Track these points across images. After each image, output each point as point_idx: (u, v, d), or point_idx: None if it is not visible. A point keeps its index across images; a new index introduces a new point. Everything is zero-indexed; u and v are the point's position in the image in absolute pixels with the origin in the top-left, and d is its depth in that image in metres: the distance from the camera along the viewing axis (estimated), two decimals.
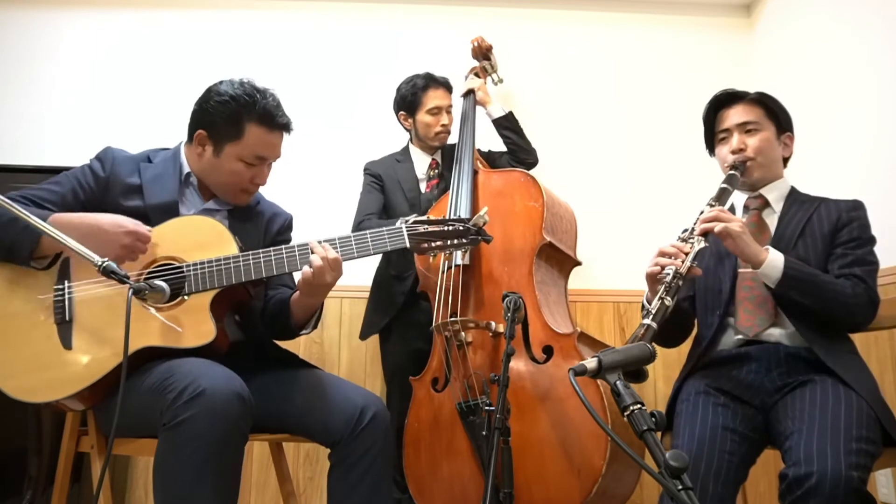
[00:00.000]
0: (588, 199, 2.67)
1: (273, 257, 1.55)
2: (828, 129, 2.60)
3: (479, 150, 2.59)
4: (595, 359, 1.08)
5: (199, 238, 1.57)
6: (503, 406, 1.58)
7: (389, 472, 1.59)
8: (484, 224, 1.63)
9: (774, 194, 1.77)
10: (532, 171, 2.27)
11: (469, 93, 2.68)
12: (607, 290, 2.88)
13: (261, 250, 1.55)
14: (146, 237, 1.49)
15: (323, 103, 3.05)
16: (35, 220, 1.33)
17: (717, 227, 1.54)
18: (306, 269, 1.53)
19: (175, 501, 1.27)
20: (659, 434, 1.02)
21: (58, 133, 2.96)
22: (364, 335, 2.59)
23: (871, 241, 1.66)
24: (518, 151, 2.64)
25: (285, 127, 1.69)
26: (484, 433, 1.75)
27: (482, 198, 2.19)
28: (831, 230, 1.65)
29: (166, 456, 1.29)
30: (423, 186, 2.57)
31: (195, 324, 1.47)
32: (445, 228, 1.61)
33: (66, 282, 1.49)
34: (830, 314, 1.56)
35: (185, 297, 1.50)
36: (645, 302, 1.63)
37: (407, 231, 1.59)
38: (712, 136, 1.84)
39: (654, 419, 1.00)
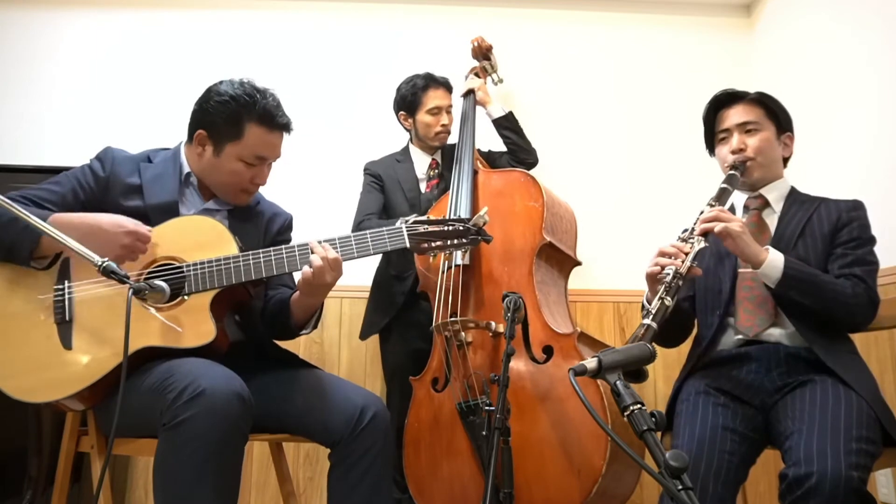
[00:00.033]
0: (588, 199, 2.67)
1: (273, 257, 1.55)
2: (828, 129, 2.60)
3: (479, 150, 2.59)
4: (595, 359, 1.08)
5: (199, 238, 1.57)
6: (503, 406, 1.57)
7: (389, 472, 1.59)
8: (484, 224, 1.63)
9: (774, 194, 1.77)
10: (532, 171, 2.27)
11: (469, 93, 2.68)
12: (607, 290, 2.88)
13: (261, 250, 1.55)
14: (146, 237, 1.49)
15: (323, 103, 3.05)
16: (35, 220, 1.33)
17: (718, 227, 1.54)
18: (306, 269, 1.53)
19: (175, 501, 1.27)
20: (659, 434, 1.02)
21: (58, 133, 2.96)
22: (364, 335, 2.59)
23: (871, 241, 1.66)
24: (518, 151, 2.64)
25: (285, 127, 1.69)
26: (484, 433, 1.75)
27: (482, 198, 2.19)
28: (831, 230, 1.65)
29: (166, 456, 1.29)
30: (423, 186, 2.57)
31: (195, 324, 1.47)
32: (445, 228, 1.61)
33: (66, 282, 1.49)
34: (830, 314, 1.56)
35: (185, 297, 1.50)
36: (645, 302, 1.63)
37: (407, 231, 1.59)
38: (712, 137, 1.84)
39: (654, 419, 1.00)
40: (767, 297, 1.62)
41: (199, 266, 1.52)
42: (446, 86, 2.61)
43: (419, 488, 1.96)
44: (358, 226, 2.46)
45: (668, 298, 1.43)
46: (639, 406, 1.01)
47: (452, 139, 2.59)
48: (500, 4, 3.19)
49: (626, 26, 3.20)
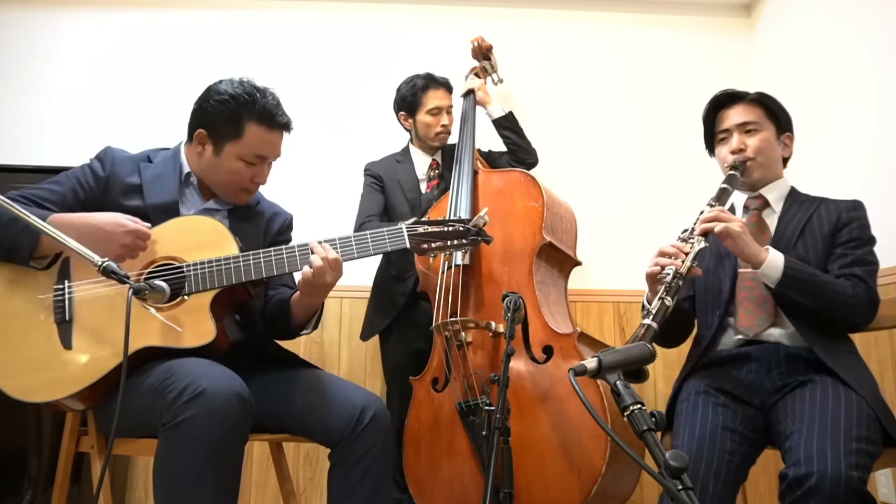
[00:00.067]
0: (588, 199, 2.67)
1: (273, 257, 1.55)
2: (828, 129, 2.60)
3: (479, 150, 2.58)
4: (595, 359, 1.08)
5: (199, 238, 1.57)
6: (503, 406, 1.57)
7: (389, 472, 1.59)
8: (484, 225, 1.63)
9: (774, 194, 1.77)
10: (532, 171, 2.27)
11: (469, 93, 2.68)
12: (607, 290, 2.88)
13: (261, 250, 1.55)
14: (146, 234, 1.49)
15: (323, 103, 3.05)
16: (34, 220, 1.33)
17: (718, 227, 1.54)
18: (306, 269, 1.52)
19: (175, 501, 1.27)
20: (659, 434, 1.02)
21: (58, 133, 2.96)
22: (365, 336, 2.59)
23: (871, 241, 1.66)
24: (518, 151, 2.64)
25: (285, 126, 1.69)
26: (484, 433, 1.75)
27: (482, 198, 2.19)
28: (831, 230, 1.65)
29: (166, 456, 1.29)
30: (423, 187, 2.57)
31: (195, 324, 1.47)
32: (445, 229, 1.61)
33: (66, 281, 1.49)
34: (830, 314, 1.56)
35: (185, 297, 1.50)
36: (645, 302, 1.63)
37: (407, 231, 1.58)
38: (712, 137, 1.84)
39: (654, 419, 1.00)
40: (767, 297, 1.62)
41: (199, 266, 1.52)
42: (446, 86, 2.61)
43: (419, 488, 1.96)
44: (360, 227, 2.45)
45: (669, 298, 1.43)
46: (639, 406, 1.01)
47: (452, 139, 2.59)
48: (500, 4, 3.19)
49: (626, 26, 3.20)
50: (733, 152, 1.74)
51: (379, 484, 1.52)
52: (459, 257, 2.07)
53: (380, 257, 2.57)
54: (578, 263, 2.20)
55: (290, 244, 1.57)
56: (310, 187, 2.88)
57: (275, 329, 1.72)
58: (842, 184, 2.47)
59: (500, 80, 2.93)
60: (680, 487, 0.92)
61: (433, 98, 2.56)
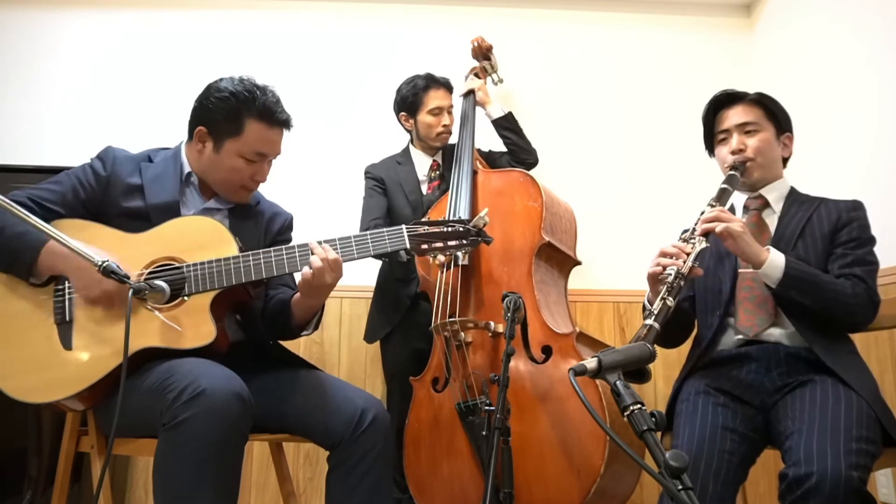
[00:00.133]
0: (588, 199, 2.68)
1: (273, 258, 1.54)
2: (828, 129, 2.60)
3: (479, 150, 2.58)
4: (595, 359, 1.08)
5: (199, 238, 1.56)
6: (503, 406, 1.58)
7: (389, 474, 1.59)
8: (484, 225, 1.62)
9: (774, 194, 1.77)
10: (532, 171, 2.27)
11: (469, 93, 2.68)
12: (607, 290, 2.88)
13: (261, 251, 1.55)
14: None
15: (323, 103, 3.05)
16: (38, 222, 1.33)
17: (718, 227, 1.54)
18: (306, 270, 1.52)
19: (175, 501, 1.27)
20: (659, 434, 1.02)
21: (58, 133, 2.96)
22: (370, 338, 2.57)
23: (871, 241, 1.66)
24: (518, 151, 2.64)
25: (285, 123, 1.68)
26: (484, 433, 1.75)
27: (482, 198, 2.19)
28: (831, 230, 1.65)
29: (166, 456, 1.29)
30: (424, 188, 2.57)
31: (195, 324, 1.47)
32: (445, 229, 1.60)
33: (66, 282, 1.49)
34: (830, 314, 1.56)
35: (186, 298, 1.49)
36: (646, 302, 1.63)
37: (407, 232, 1.58)
38: (712, 137, 1.84)
39: (653, 419, 1.00)
40: (767, 297, 1.62)
41: (199, 266, 1.51)
42: (447, 86, 2.61)
43: (419, 488, 1.96)
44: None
45: (671, 299, 1.43)
46: (639, 406, 1.01)
47: (452, 139, 2.59)
48: (500, 4, 3.19)
49: (626, 26, 3.20)
50: (733, 153, 1.74)
51: (379, 485, 1.51)
52: (459, 257, 2.07)
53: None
54: (578, 263, 2.20)
55: (290, 244, 1.57)
56: (310, 187, 2.88)
57: (275, 329, 1.72)
58: (842, 184, 2.47)
59: (500, 81, 2.93)
60: (680, 487, 0.92)
61: (434, 98, 2.56)
